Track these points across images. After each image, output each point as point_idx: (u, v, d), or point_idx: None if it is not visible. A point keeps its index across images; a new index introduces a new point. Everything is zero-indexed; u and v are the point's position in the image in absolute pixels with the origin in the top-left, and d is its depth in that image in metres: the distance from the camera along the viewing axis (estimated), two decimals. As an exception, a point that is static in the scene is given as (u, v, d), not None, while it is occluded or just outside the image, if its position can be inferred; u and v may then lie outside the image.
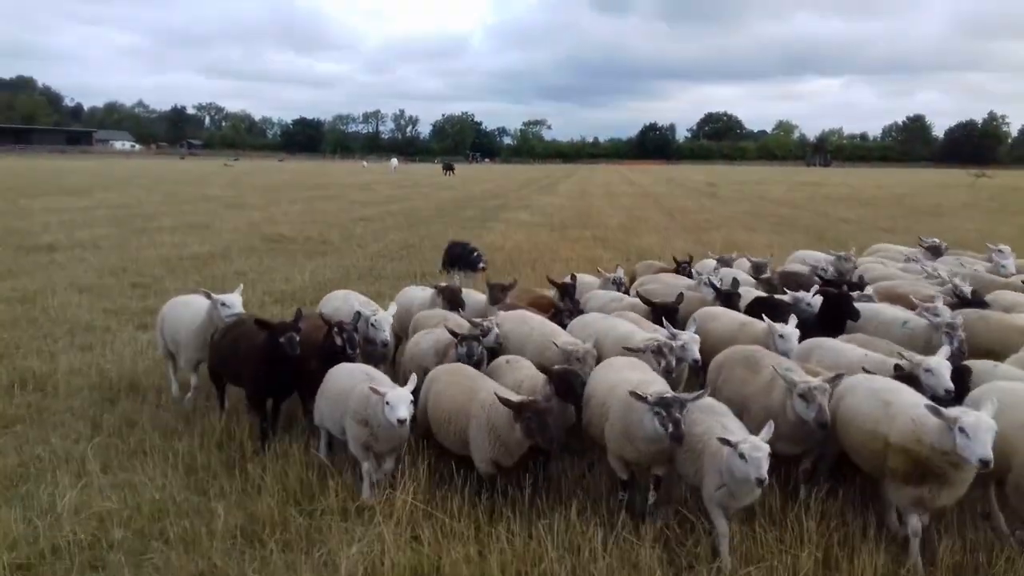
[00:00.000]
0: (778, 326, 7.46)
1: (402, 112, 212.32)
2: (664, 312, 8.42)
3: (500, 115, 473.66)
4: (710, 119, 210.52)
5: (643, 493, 6.04)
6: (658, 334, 7.43)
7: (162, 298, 13.23)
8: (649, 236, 23.45)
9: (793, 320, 7.62)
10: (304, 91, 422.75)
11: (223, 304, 7.92)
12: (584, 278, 11.41)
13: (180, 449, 6.91)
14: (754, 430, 5.37)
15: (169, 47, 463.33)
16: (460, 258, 14.66)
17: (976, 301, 9.23)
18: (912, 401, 5.54)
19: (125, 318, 12.21)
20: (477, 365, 7.06)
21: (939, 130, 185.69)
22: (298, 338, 6.85)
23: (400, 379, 6.82)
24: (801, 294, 9.11)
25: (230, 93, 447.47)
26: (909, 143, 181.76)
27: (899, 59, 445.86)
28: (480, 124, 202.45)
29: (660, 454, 5.71)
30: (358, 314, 7.69)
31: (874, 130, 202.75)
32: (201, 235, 22.82)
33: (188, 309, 8.46)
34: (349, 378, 6.49)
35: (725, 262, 12.92)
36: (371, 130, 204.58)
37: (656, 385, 5.99)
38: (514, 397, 5.91)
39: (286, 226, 25.45)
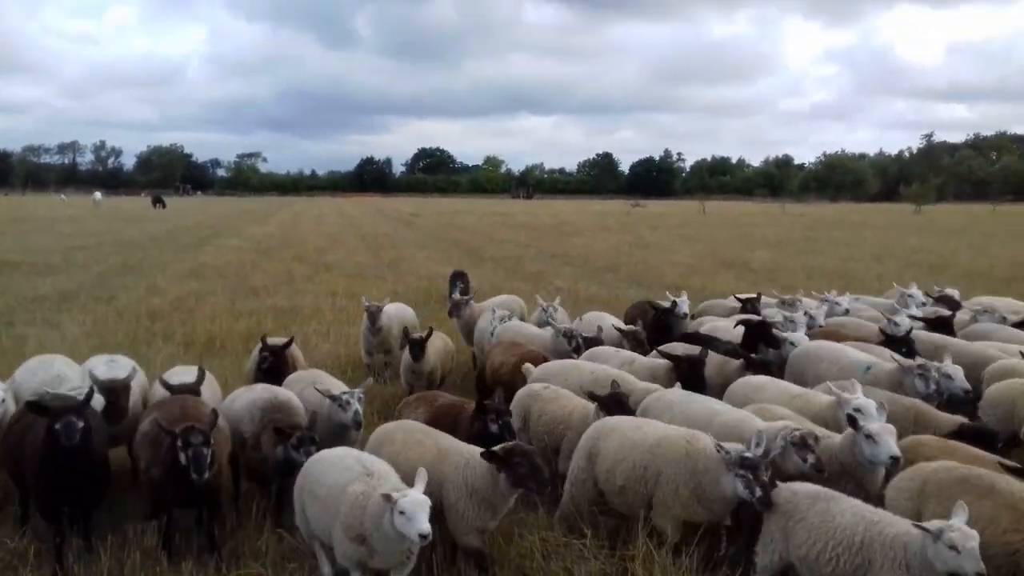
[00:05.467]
0: (852, 399, 6.30)
1: (103, 143, 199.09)
2: (691, 367, 7.85)
3: (216, 146, 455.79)
4: (424, 154, 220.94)
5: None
6: (785, 420, 6.16)
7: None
8: (337, 253, 29.32)
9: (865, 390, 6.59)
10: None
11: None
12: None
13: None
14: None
15: None
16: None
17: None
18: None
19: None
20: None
21: (626, 166, 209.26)
22: (80, 424, 5.63)
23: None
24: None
25: None
26: (600, 177, 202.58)
27: (602, 100, 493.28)
28: (191, 156, 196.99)
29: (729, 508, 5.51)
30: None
31: (573, 166, 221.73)
32: (-76, 263, 24.81)
33: None
34: (341, 472, 5.29)
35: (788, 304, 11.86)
36: (67, 162, 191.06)
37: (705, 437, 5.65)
38: (496, 447, 5.43)
39: (11, 252, 27.82)
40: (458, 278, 17.13)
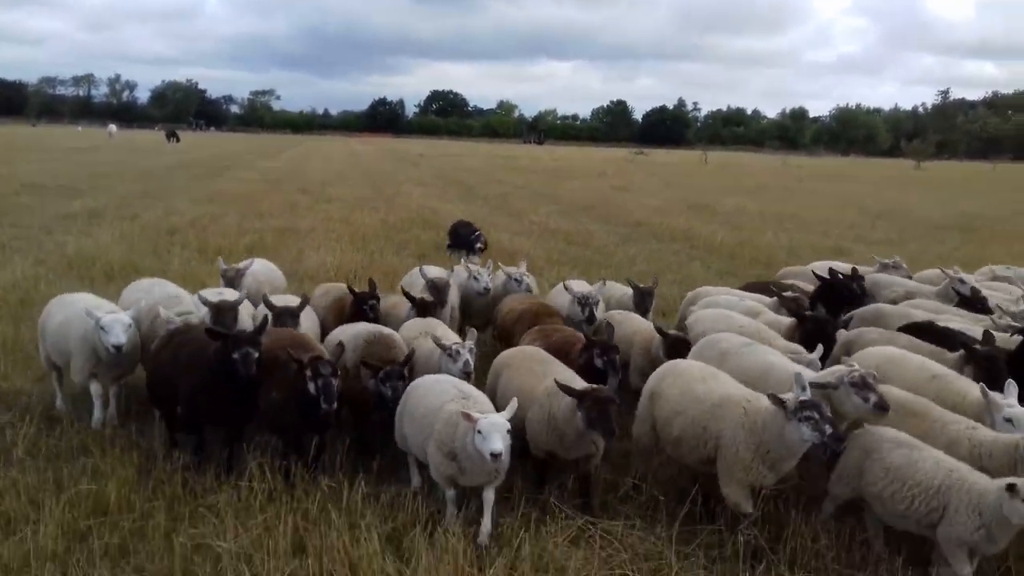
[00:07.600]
0: (1005, 404, 5.66)
1: (118, 76, 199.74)
2: (816, 325, 7.50)
3: (230, 83, 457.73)
4: (437, 96, 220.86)
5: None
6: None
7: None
8: (341, 187, 31.64)
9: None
10: (6, 49, 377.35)
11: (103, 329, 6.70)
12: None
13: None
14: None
15: None
16: (462, 239, 15.16)
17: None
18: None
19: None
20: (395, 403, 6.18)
21: (642, 114, 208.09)
22: (256, 355, 5.92)
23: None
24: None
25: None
26: (613, 125, 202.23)
27: (624, 47, 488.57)
28: (205, 91, 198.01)
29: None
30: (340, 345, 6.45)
31: (588, 112, 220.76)
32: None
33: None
34: (438, 394, 5.79)
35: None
36: (82, 94, 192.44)
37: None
38: (577, 384, 5.75)
39: (39, 176, 30.34)
40: (467, 230, 15.32)
